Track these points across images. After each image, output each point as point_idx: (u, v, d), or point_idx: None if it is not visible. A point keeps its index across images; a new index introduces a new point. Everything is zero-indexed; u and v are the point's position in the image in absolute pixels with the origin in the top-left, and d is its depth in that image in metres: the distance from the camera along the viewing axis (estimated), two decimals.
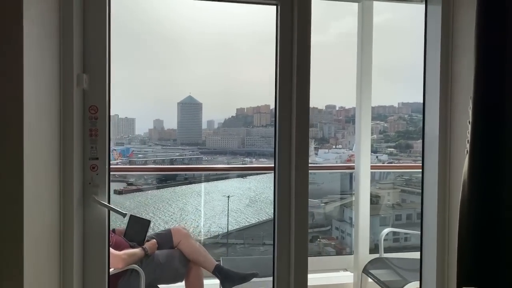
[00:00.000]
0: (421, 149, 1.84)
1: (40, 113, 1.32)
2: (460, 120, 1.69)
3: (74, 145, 1.52)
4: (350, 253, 4.31)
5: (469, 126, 1.41)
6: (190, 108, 10.10)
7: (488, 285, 1.30)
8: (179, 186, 6.57)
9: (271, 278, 2.69)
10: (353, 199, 3.20)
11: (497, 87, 1.35)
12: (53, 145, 1.45)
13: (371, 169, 2.97)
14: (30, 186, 1.21)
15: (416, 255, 2.92)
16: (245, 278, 2.49)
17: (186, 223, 5.52)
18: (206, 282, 2.62)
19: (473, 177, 1.37)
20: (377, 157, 3.36)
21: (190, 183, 6.89)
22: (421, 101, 1.87)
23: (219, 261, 2.70)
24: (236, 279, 2.48)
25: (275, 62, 1.78)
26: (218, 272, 2.50)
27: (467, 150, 1.42)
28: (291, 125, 1.76)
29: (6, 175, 1.16)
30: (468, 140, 1.42)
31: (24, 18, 1.14)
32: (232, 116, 10.03)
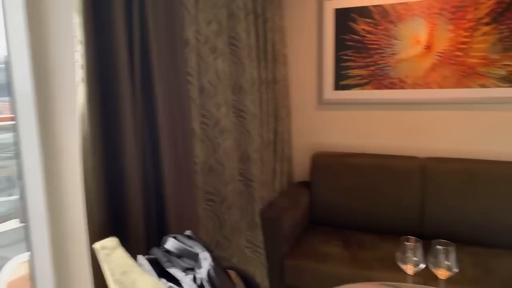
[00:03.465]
0: None
1: None
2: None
3: None
4: None
5: (81, 48, 1.20)
6: None
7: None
8: None
9: None
10: None
11: None
12: None
13: None
14: None
15: None
16: None
17: None
18: None
19: (96, 107, 1.20)
20: None
21: None
22: None
23: None
24: None
25: None
26: None
27: (82, 78, 1.22)
28: None
29: None
30: (82, 66, 1.21)
31: None
32: None
